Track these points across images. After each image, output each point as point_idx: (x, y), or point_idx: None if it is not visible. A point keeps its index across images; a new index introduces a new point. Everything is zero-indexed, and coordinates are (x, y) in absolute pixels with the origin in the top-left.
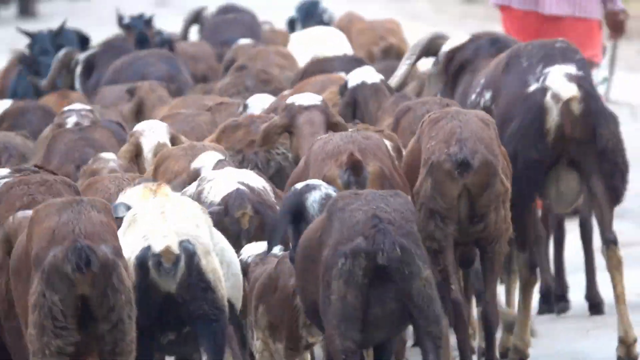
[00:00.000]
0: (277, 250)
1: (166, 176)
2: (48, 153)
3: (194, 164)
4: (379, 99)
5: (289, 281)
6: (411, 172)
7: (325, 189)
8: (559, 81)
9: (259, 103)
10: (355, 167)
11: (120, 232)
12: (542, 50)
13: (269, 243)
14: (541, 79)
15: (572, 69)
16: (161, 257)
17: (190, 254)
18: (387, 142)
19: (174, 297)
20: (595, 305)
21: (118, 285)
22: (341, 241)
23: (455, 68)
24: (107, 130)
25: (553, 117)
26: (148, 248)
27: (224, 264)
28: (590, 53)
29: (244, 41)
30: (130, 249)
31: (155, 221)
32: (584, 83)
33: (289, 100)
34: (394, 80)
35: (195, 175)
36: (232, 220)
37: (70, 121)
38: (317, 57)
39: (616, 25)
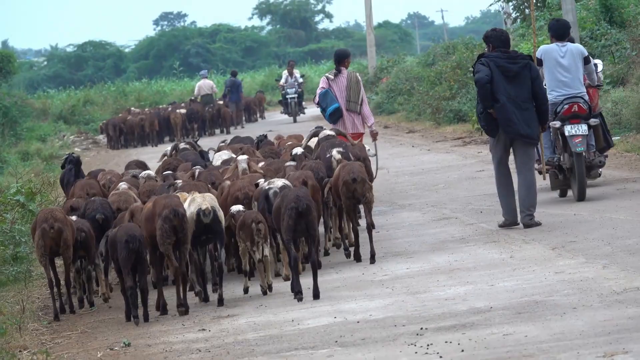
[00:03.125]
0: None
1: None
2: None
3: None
4: None
5: (249, 219)
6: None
7: (274, 188)
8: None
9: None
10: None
11: (186, 204)
12: (330, 144)
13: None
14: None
15: (341, 150)
16: (205, 210)
17: (215, 210)
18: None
19: (209, 225)
20: None
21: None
22: (287, 204)
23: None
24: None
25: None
26: (200, 208)
27: (222, 214)
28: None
29: None
30: (193, 208)
31: (201, 200)
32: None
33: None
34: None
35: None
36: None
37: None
38: None
39: (373, 135)
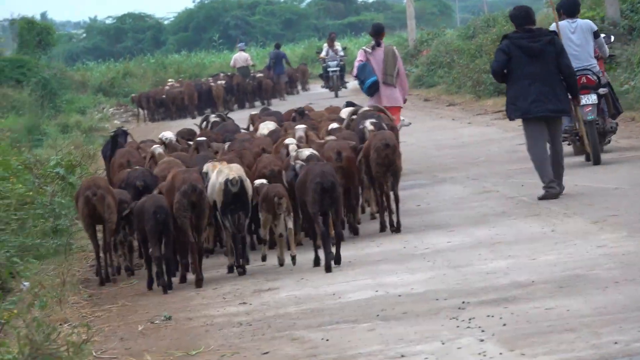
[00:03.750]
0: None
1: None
2: None
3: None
4: None
5: (271, 193)
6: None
7: (300, 162)
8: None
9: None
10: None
11: (214, 175)
12: (363, 115)
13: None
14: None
15: (373, 120)
16: (232, 180)
17: (242, 179)
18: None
19: (237, 194)
20: None
21: (204, 199)
22: (312, 179)
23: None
24: None
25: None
26: (228, 177)
27: (249, 185)
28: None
29: None
30: (221, 178)
31: (228, 170)
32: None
33: None
34: (344, 124)
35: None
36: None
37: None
38: None
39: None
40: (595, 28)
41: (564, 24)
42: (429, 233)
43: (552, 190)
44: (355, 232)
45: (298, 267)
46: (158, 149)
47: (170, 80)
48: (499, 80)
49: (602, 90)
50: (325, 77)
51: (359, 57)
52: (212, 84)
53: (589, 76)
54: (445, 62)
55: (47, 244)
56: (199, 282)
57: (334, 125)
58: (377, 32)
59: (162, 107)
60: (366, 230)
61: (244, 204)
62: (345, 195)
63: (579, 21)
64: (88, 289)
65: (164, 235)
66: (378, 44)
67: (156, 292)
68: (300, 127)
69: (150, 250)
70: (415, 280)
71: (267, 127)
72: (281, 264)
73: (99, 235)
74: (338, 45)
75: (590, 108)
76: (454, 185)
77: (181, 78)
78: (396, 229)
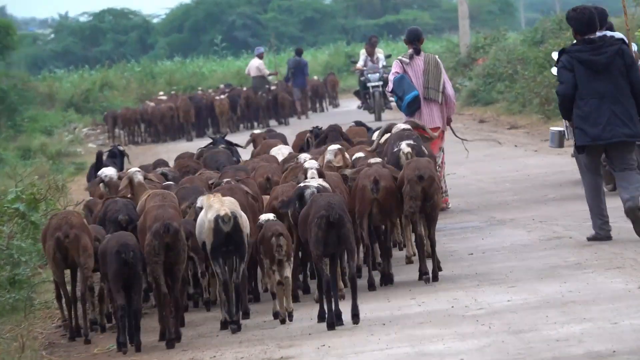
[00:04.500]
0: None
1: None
2: None
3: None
4: None
5: (268, 232)
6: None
7: (311, 189)
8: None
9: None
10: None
11: (202, 211)
12: (398, 136)
13: (281, 209)
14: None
15: (410, 142)
16: (224, 217)
17: (236, 216)
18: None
19: (230, 233)
20: None
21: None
22: (316, 212)
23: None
24: None
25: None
26: (219, 214)
27: (247, 222)
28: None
29: None
30: (210, 214)
31: (219, 204)
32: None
33: None
34: (372, 147)
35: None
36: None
37: None
38: None
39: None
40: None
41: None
42: (483, 289)
43: (600, 235)
44: (388, 280)
45: (317, 330)
46: (138, 175)
47: (161, 93)
48: (565, 107)
49: None
50: (363, 94)
51: (394, 68)
52: (217, 97)
53: None
54: (506, 73)
55: (2, 298)
56: (170, 343)
57: (360, 154)
58: (414, 38)
59: (149, 126)
60: (403, 278)
61: (239, 246)
62: (379, 235)
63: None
64: (53, 355)
65: (132, 280)
66: (417, 52)
67: (139, 357)
68: (333, 148)
69: (113, 298)
70: (466, 349)
71: (280, 152)
72: (281, 319)
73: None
74: (380, 53)
75: None
76: (515, 229)
77: (174, 91)
78: (433, 277)
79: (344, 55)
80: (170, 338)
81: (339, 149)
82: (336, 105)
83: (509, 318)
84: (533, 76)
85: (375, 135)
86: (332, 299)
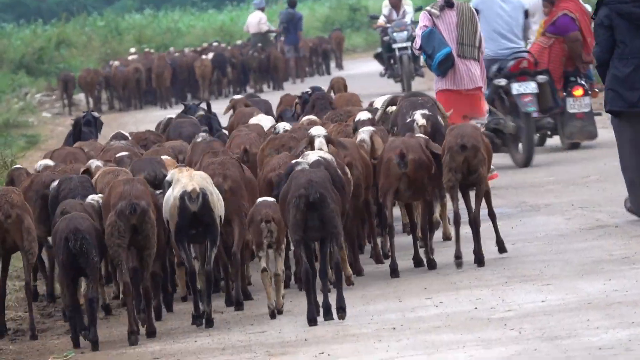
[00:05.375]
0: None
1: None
2: None
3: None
4: None
5: (257, 215)
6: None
7: (302, 165)
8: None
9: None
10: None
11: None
12: (411, 104)
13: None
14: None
15: (425, 111)
16: (191, 192)
17: (205, 193)
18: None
19: (197, 214)
20: None
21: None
22: (294, 192)
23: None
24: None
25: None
26: (185, 190)
27: (219, 201)
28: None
29: None
30: (176, 190)
31: (187, 179)
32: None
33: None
34: (377, 117)
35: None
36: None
37: None
38: None
39: None
40: (527, 6)
41: None
42: (513, 287)
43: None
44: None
45: (315, 335)
46: (95, 162)
47: (132, 50)
48: (601, 71)
49: (540, 78)
50: (387, 57)
51: (422, 21)
52: (202, 57)
53: (530, 60)
54: None
55: None
56: (133, 338)
57: (364, 115)
58: None
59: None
60: (417, 273)
61: (210, 228)
62: (410, 216)
63: None
64: None
65: (86, 269)
66: (448, 4)
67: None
68: (367, 130)
69: (61, 292)
70: (492, 357)
71: (260, 123)
72: (270, 312)
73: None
74: (407, 5)
75: (529, 98)
76: (551, 216)
77: (147, 49)
78: (477, 260)
79: (348, 8)
80: (132, 330)
81: (373, 131)
82: (341, 67)
83: (542, 321)
84: None
85: (378, 104)
86: (322, 290)
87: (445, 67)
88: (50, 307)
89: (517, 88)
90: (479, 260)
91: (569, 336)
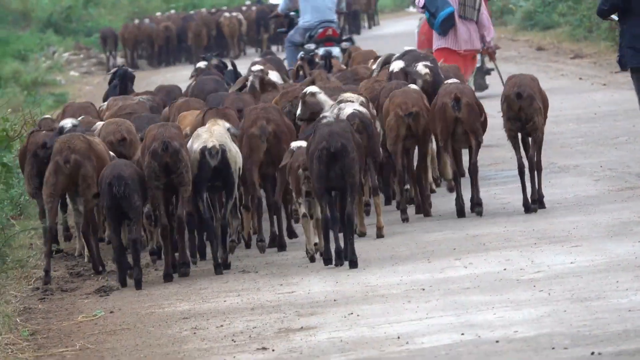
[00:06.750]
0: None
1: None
2: None
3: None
4: None
5: (295, 163)
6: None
7: (328, 118)
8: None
9: None
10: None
11: (191, 140)
12: (414, 57)
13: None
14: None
15: (427, 63)
16: (212, 149)
17: (224, 149)
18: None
19: (217, 168)
20: None
21: (182, 161)
22: (317, 144)
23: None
24: None
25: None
26: (206, 145)
27: (237, 156)
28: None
29: None
30: (197, 145)
31: (208, 135)
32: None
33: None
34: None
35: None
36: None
37: None
38: None
39: (490, 54)
40: None
41: None
42: (542, 249)
43: None
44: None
45: (344, 295)
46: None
47: (158, 13)
48: (606, 15)
49: (344, 44)
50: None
51: None
52: (226, 15)
53: (334, 28)
54: None
55: None
56: (167, 277)
57: (397, 65)
58: None
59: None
60: (447, 235)
61: (227, 182)
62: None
63: None
64: (29, 322)
65: (129, 213)
66: None
67: (131, 327)
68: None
69: (108, 234)
70: (522, 318)
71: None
72: (310, 256)
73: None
74: None
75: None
76: (580, 177)
77: (173, 10)
78: (534, 205)
79: None
80: (167, 273)
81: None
82: (374, 24)
83: (572, 283)
84: None
85: (375, 65)
86: (327, 240)
87: (446, 26)
88: (79, 266)
89: (324, 50)
90: (540, 201)
91: (598, 298)
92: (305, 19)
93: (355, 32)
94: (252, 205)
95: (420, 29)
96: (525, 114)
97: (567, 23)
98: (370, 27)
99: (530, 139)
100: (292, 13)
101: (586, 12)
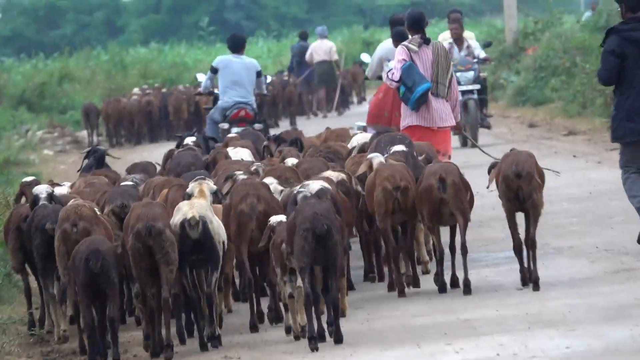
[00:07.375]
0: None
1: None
2: None
3: None
4: None
5: (278, 238)
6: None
7: (304, 193)
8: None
9: None
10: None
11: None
12: (390, 139)
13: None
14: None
15: (403, 147)
16: (190, 220)
17: (205, 221)
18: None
19: (198, 241)
20: None
21: (165, 242)
22: (301, 223)
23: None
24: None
25: None
26: (185, 217)
27: (220, 228)
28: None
29: None
30: (177, 218)
31: (188, 207)
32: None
33: None
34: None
35: None
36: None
37: None
38: None
39: (458, 128)
40: (259, 68)
41: (230, 57)
42: (535, 333)
43: None
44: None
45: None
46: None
47: (135, 90)
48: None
49: (257, 126)
50: None
51: (400, 55)
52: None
53: (248, 110)
54: (562, 66)
55: None
56: (155, 353)
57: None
58: (417, 24)
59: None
60: (437, 319)
61: (211, 254)
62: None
63: (245, 58)
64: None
65: (106, 290)
66: (425, 41)
67: None
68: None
69: (82, 314)
70: None
71: (238, 156)
72: (295, 336)
73: None
74: (472, 39)
75: None
76: (575, 259)
77: (147, 85)
78: (533, 283)
79: (361, 42)
80: (168, 344)
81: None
82: (363, 99)
83: None
84: (595, 70)
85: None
86: (310, 316)
87: (420, 102)
88: (54, 352)
89: (235, 131)
90: (535, 282)
91: None
92: (223, 99)
93: (346, 107)
94: (245, 287)
95: (372, 103)
96: (524, 193)
97: (560, 98)
98: (360, 102)
99: (525, 216)
100: (215, 91)
101: (580, 88)
